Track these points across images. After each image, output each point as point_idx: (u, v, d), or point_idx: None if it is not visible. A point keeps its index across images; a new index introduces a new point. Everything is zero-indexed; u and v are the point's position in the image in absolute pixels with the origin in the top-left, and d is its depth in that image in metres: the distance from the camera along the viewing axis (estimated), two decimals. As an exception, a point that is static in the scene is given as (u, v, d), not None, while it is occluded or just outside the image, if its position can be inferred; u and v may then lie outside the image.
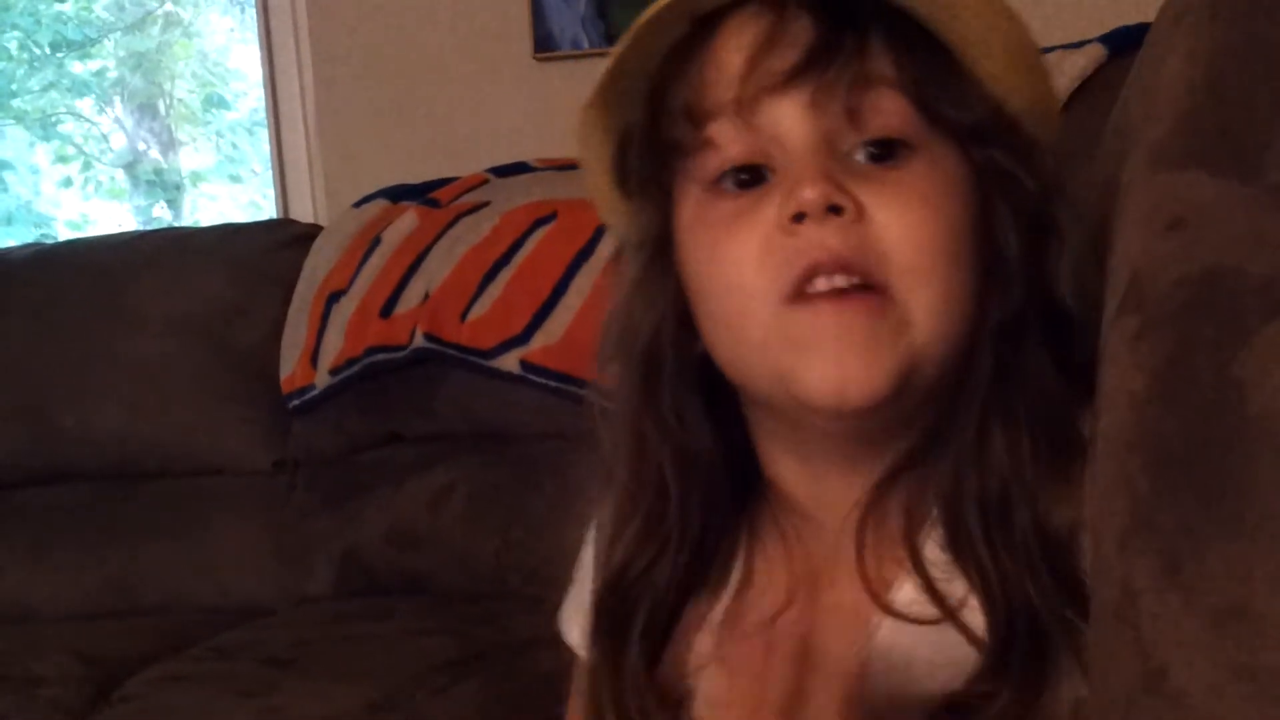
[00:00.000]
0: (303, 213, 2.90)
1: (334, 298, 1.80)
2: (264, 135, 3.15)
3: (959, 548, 0.69)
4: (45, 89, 4.79)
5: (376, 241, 1.80)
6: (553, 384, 1.62)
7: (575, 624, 0.90)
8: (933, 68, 0.69)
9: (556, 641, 1.14)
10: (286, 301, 1.89)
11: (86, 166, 4.82)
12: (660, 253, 0.77)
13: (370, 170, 2.53)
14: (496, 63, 2.68)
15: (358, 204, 1.95)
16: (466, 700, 1.29)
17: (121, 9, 4.71)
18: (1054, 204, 0.71)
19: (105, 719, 1.38)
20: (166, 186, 4.81)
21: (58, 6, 4.70)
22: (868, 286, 0.67)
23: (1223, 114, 0.54)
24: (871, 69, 0.68)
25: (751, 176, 0.71)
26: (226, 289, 1.93)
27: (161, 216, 4.78)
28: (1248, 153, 0.52)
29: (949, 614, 0.69)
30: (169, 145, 4.83)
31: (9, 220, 4.75)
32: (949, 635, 0.69)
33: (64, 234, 4.72)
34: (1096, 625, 0.58)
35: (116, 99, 4.80)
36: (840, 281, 0.67)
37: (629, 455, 0.79)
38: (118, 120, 4.83)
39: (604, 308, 1.53)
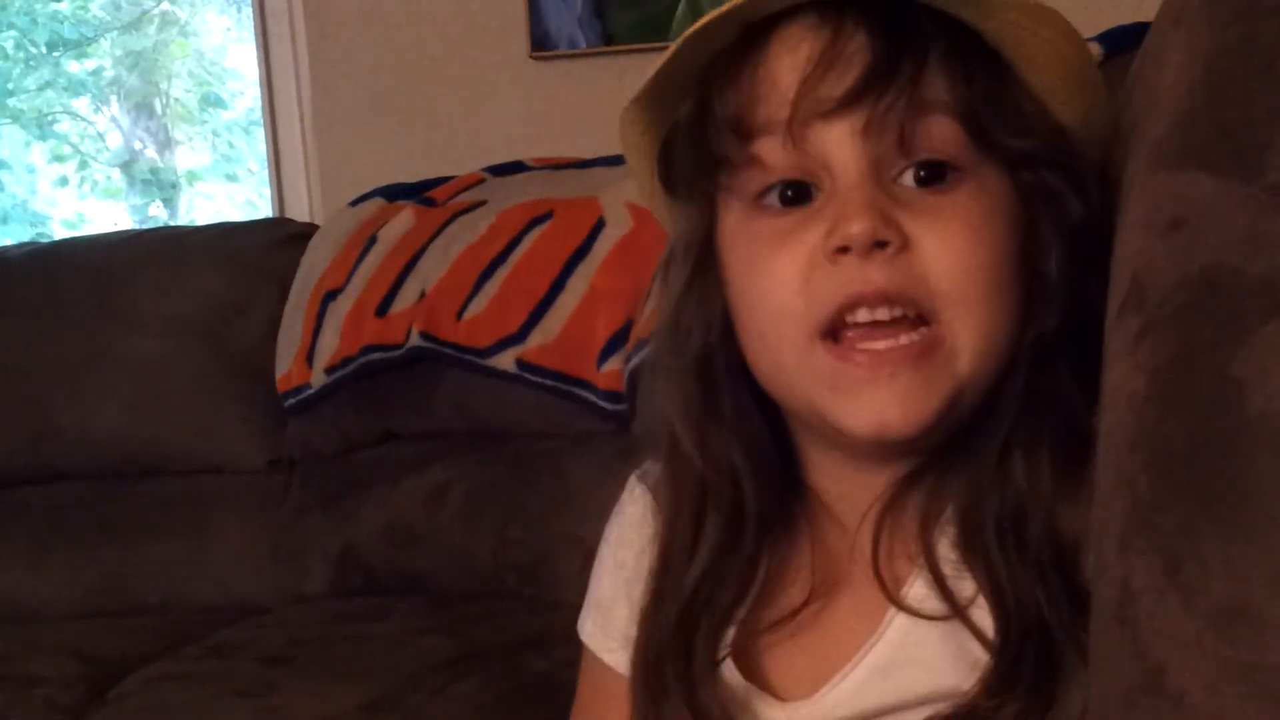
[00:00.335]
0: (299, 212, 2.90)
1: (330, 297, 1.80)
2: (260, 134, 3.15)
3: (970, 548, 0.70)
4: (41, 88, 4.78)
5: (372, 240, 1.80)
6: (549, 383, 1.62)
7: (590, 621, 0.89)
8: (988, 88, 0.68)
9: (553, 640, 1.15)
10: (283, 300, 1.88)
11: (83, 165, 4.81)
12: (706, 258, 0.76)
13: (366, 169, 2.53)
14: (493, 62, 2.68)
15: (354, 203, 1.95)
16: (464, 699, 1.29)
17: (118, 8, 4.71)
18: (1098, 224, 0.70)
19: (102, 718, 1.38)
20: (163, 185, 4.80)
21: (54, 5, 4.69)
22: (909, 318, 0.67)
23: (1222, 114, 0.54)
24: (926, 94, 0.67)
25: (797, 193, 0.70)
26: (223, 288, 1.92)
27: (158, 215, 4.78)
28: (1247, 152, 0.52)
29: (957, 611, 0.69)
30: (165, 144, 4.82)
31: (5, 219, 4.74)
32: (960, 633, 0.69)
33: (60, 233, 4.71)
34: (1097, 625, 0.58)
35: (113, 98, 4.80)
36: (882, 315, 0.67)
37: (696, 458, 0.78)
38: (114, 119, 4.82)
39: (600, 306, 1.56)
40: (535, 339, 1.62)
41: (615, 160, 1.59)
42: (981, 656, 0.68)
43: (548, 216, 1.68)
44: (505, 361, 1.64)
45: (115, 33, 4.74)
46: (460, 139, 2.65)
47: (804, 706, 0.75)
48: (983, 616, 0.69)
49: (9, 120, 4.76)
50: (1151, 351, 0.54)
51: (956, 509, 0.71)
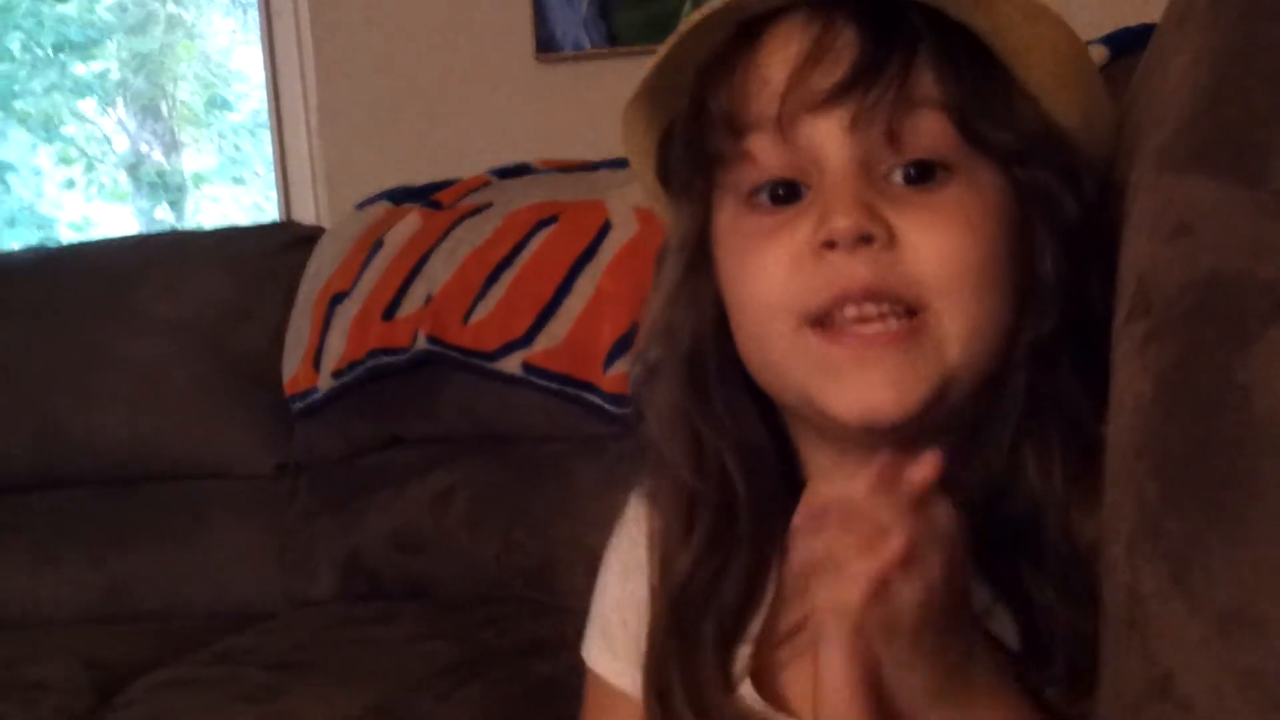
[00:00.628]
0: (305, 215, 2.90)
1: (336, 300, 1.80)
2: (266, 137, 3.15)
3: (984, 558, 0.69)
4: (48, 91, 4.80)
5: (379, 244, 1.80)
6: (555, 386, 1.62)
7: (593, 642, 0.89)
8: (979, 85, 0.68)
9: (558, 645, 1.14)
10: (289, 304, 1.88)
11: (89, 168, 4.83)
12: (699, 256, 0.77)
13: (372, 172, 2.53)
14: (498, 64, 2.68)
15: (360, 206, 1.95)
16: (469, 704, 1.29)
17: (124, 10, 4.72)
18: (1095, 223, 0.70)
19: (108, 724, 1.38)
20: (169, 188, 4.82)
21: (60, 8, 4.71)
22: (898, 312, 0.67)
23: (1226, 118, 0.54)
24: (914, 90, 0.67)
25: (788, 191, 0.71)
26: (229, 292, 1.92)
27: (164, 219, 4.79)
28: (1252, 157, 0.51)
29: (975, 621, 0.68)
30: (171, 147, 4.84)
31: (12, 222, 4.76)
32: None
33: (66, 236, 4.73)
34: (1105, 630, 0.58)
35: (119, 101, 4.81)
36: (870, 310, 0.67)
37: (687, 456, 0.78)
38: (120, 122, 4.84)
39: (606, 309, 1.55)
40: (541, 342, 1.62)
41: (621, 163, 1.58)
42: (1000, 662, 0.67)
43: (554, 219, 1.68)
44: (511, 365, 1.64)
45: (121, 35, 4.75)
46: (466, 141, 2.65)
47: None
48: (999, 624, 0.68)
49: (15, 123, 4.77)
50: (1157, 356, 0.54)
51: (969, 513, 0.71)
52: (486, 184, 1.85)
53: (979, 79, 0.68)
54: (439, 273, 1.71)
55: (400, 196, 1.91)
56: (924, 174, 0.68)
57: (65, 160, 4.83)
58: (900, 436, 0.69)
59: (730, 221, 0.74)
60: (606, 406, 1.58)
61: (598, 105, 2.55)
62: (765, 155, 0.70)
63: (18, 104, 4.78)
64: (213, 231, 2.15)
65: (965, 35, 0.69)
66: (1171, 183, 0.56)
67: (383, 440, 1.80)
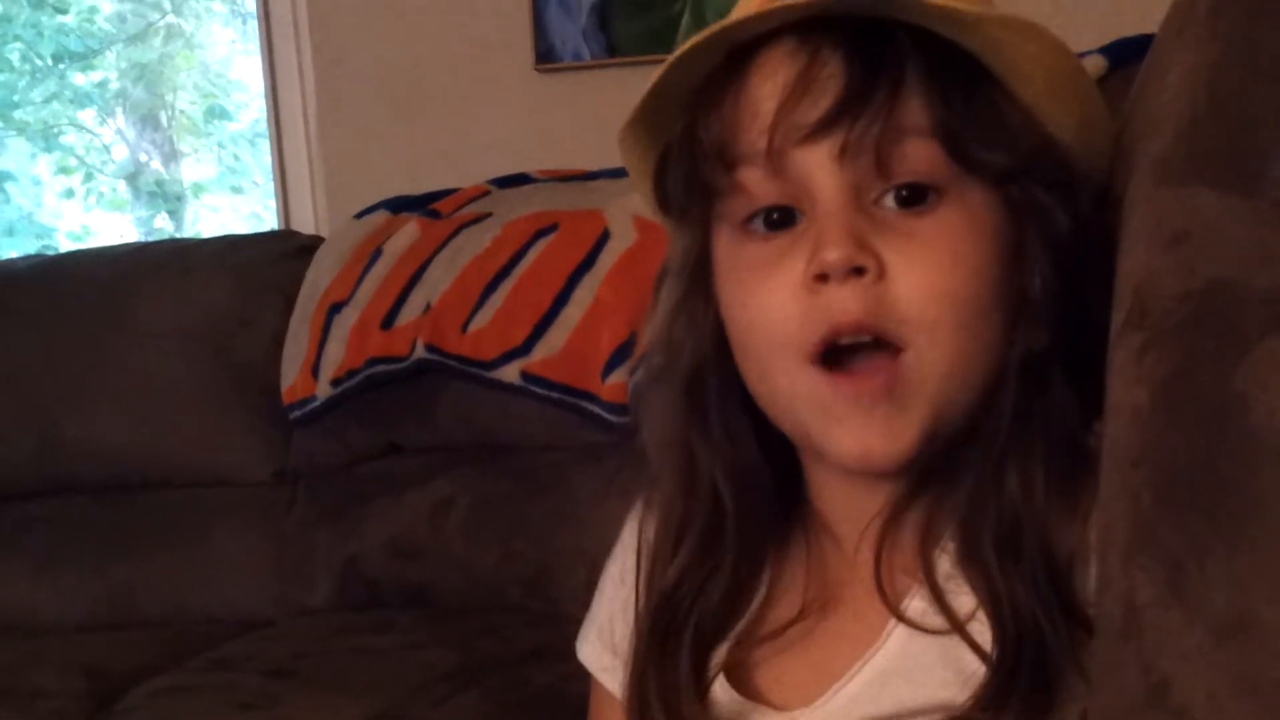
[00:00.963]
0: (304, 224, 2.90)
1: (335, 309, 1.80)
2: (266, 146, 3.15)
3: (969, 563, 0.70)
4: (47, 100, 4.80)
5: (378, 253, 1.80)
6: (553, 395, 1.62)
7: (588, 642, 0.90)
8: (969, 105, 0.68)
9: (556, 653, 1.14)
10: (288, 313, 1.88)
11: (88, 178, 4.82)
12: (699, 279, 0.77)
13: (372, 181, 2.53)
14: (498, 74, 2.69)
15: (359, 215, 1.95)
16: (467, 712, 1.29)
17: (124, 20, 4.72)
18: (1090, 235, 0.70)
19: (107, 731, 1.38)
20: (168, 198, 4.81)
21: (60, 18, 4.71)
22: (886, 347, 0.68)
23: (1224, 128, 0.54)
24: (902, 118, 0.67)
25: (782, 216, 0.71)
26: (228, 300, 1.92)
27: (163, 228, 4.79)
28: (1250, 166, 0.52)
29: (956, 625, 0.70)
30: (171, 156, 4.83)
31: (11, 231, 4.75)
32: (957, 648, 0.70)
33: (65, 245, 4.72)
34: (1101, 638, 0.58)
35: (118, 110, 4.81)
36: (864, 339, 0.68)
37: (679, 474, 0.79)
38: (119, 131, 4.84)
39: (605, 319, 1.56)
40: (540, 351, 1.62)
41: (620, 173, 1.59)
42: (976, 672, 0.68)
43: (553, 229, 1.68)
44: (510, 374, 1.64)
45: (121, 45, 4.75)
46: (465, 151, 2.65)
47: (803, 715, 0.75)
48: (981, 631, 0.69)
49: (15, 132, 4.77)
50: (1154, 365, 0.54)
51: (955, 524, 0.72)
52: (485, 193, 1.85)
53: (969, 99, 0.68)
54: (438, 282, 1.71)
55: (399, 206, 1.91)
56: (915, 196, 0.69)
57: (64, 170, 4.83)
58: (900, 468, 0.71)
59: (728, 248, 0.74)
60: (605, 415, 1.58)
61: (596, 115, 2.56)
62: (757, 186, 0.71)
63: (17, 113, 4.78)
64: (212, 240, 2.15)
65: (956, 51, 0.69)
66: (1169, 192, 0.56)
67: (381, 449, 1.80)
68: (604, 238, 1.63)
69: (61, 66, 4.74)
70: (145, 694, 1.45)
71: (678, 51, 0.70)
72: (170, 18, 4.64)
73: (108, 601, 1.84)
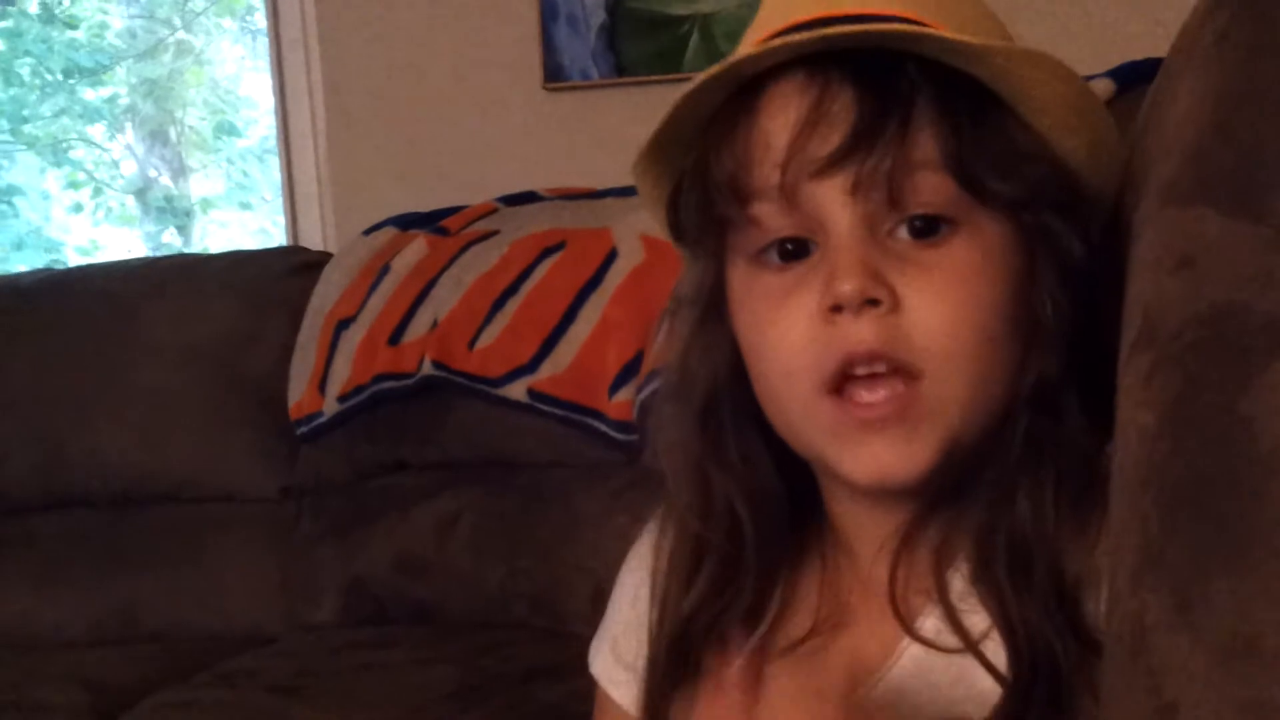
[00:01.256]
0: (312, 240, 2.90)
1: (343, 325, 1.80)
2: (274, 163, 3.16)
3: (983, 583, 0.70)
4: (57, 115, 4.81)
5: (385, 269, 1.81)
6: (560, 413, 1.62)
7: (600, 654, 0.91)
8: (979, 134, 0.68)
9: (561, 671, 1.14)
10: (296, 328, 1.89)
11: (97, 192, 4.83)
12: (714, 307, 0.78)
13: (380, 198, 2.54)
14: (506, 92, 2.70)
15: (367, 232, 1.95)
16: (472, 729, 1.29)
17: (134, 36, 4.74)
18: (1103, 259, 0.70)
19: (110, 746, 1.38)
20: (177, 213, 4.82)
21: (70, 33, 4.73)
22: (901, 375, 0.68)
23: (1232, 151, 0.54)
24: (913, 152, 0.67)
25: (796, 247, 0.71)
26: (236, 316, 1.93)
27: (171, 243, 4.80)
28: (1257, 190, 0.52)
29: (970, 645, 0.70)
30: (180, 172, 4.85)
31: (19, 245, 4.77)
32: (970, 667, 0.70)
33: (74, 260, 4.73)
34: (1110, 661, 0.58)
35: (128, 125, 4.83)
36: (879, 368, 0.68)
37: (696, 499, 0.79)
38: (129, 147, 4.85)
39: (612, 337, 1.56)
40: (547, 369, 1.62)
41: (628, 191, 1.60)
42: (987, 690, 0.68)
43: (560, 246, 1.69)
44: (517, 391, 1.64)
45: (131, 61, 4.77)
46: (474, 169, 2.65)
47: None
48: (995, 651, 0.69)
49: (24, 147, 4.79)
50: (1161, 388, 0.55)
51: (969, 545, 0.72)
52: (493, 211, 1.86)
53: (979, 128, 0.69)
54: (445, 299, 1.71)
55: (407, 222, 1.91)
56: (928, 228, 0.69)
57: (73, 184, 4.84)
58: (915, 490, 0.72)
59: (743, 279, 0.75)
60: (611, 433, 1.58)
61: (605, 134, 2.58)
62: (771, 219, 0.71)
63: (27, 128, 4.79)
64: (220, 256, 2.16)
65: (966, 80, 0.69)
66: (1176, 215, 0.57)
67: (387, 465, 1.80)
68: (611, 256, 1.63)
69: (71, 82, 4.76)
70: (148, 709, 1.45)
71: (688, 87, 0.71)
72: (180, 34, 4.66)
73: (113, 616, 1.84)
